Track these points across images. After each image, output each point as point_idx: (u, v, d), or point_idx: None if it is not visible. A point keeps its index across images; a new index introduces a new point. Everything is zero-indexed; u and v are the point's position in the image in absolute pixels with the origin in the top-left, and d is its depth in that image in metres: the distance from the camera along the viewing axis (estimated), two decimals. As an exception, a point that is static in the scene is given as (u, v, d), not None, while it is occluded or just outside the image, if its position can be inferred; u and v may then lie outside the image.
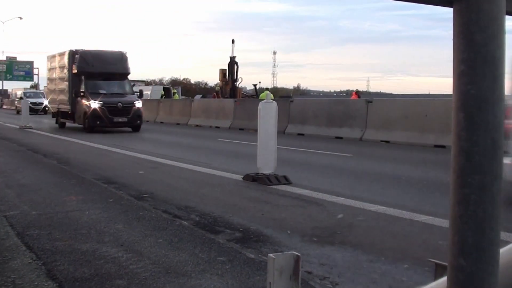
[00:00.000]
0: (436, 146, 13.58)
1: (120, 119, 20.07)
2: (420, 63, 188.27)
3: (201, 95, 48.95)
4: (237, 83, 37.86)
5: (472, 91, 0.85)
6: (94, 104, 19.91)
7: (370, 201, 6.51)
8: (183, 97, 46.28)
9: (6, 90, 76.95)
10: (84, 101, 20.51)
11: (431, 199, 6.94)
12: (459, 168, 0.86)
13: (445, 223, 5.28)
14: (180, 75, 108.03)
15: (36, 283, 3.61)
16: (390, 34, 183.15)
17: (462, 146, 0.86)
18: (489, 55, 0.84)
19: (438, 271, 2.23)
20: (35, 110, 40.12)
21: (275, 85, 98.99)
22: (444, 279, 1.22)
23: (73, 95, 20.96)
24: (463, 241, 0.86)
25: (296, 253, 2.10)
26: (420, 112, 14.78)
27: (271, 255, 2.08)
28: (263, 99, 22.44)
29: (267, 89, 28.37)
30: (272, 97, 26.27)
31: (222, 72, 38.88)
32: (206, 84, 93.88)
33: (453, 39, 0.88)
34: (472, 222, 0.86)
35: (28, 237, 4.77)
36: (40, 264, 4.01)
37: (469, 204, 0.86)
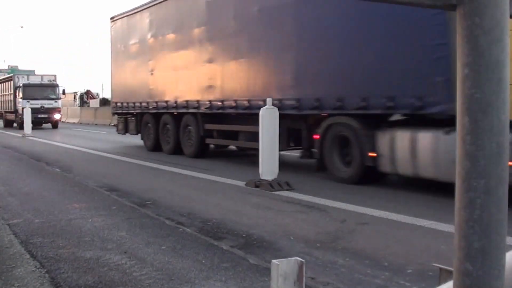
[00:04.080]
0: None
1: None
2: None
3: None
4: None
5: (476, 95, 0.85)
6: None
7: (373, 206, 6.50)
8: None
9: None
10: None
11: (434, 204, 6.92)
12: (464, 172, 0.86)
13: (448, 227, 5.27)
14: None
15: (39, 291, 3.61)
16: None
17: (467, 150, 0.85)
18: (493, 59, 0.84)
19: (442, 276, 2.22)
20: None
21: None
22: (449, 284, 1.21)
23: None
24: (469, 246, 0.86)
25: (300, 259, 2.09)
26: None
27: (274, 261, 2.07)
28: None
29: None
30: None
31: None
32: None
33: (457, 44, 0.88)
34: (478, 226, 0.85)
35: (32, 245, 4.77)
36: (43, 272, 4.01)
37: (475, 208, 0.85)
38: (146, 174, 10.04)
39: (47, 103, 30.80)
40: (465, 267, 0.86)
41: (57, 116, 31.18)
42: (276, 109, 8.14)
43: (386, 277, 3.94)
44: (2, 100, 36.78)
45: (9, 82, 34.93)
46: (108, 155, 13.91)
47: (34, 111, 28.07)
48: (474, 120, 0.85)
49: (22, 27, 76.23)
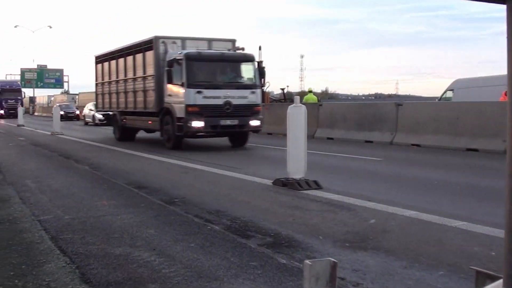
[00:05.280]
0: (468, 149, 13.33)
1: None
2: (449, 64, 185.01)
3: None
4: (265, 88, 37.88)
5: (530, 92, 0.81)
6: None
7: (402, 206, 6.41)
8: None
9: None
10: None
11: (465, 204, 6.80)
12: (517, 173, 0.82)
13: (480, 229, 5.17)
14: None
15: (70, 287, 3.64)
16: (418, 35, 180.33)
17: (520, 149, 0.82)
18: (549, 54, 0.80)
19: (479, 279, 2.17)
20: None
21: (302, 89, 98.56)
22: (493, 286, 1.18)
23: None
24: (522, 249, 0.82)
25: (333, 260, 2.06)
26: (452, 115, 14.53)
27: (307, 261, 2.05)
28: (308, 102, 21.76)
29: (310, 91, 27.17)
30: (316, 100, 25.66)
31: None
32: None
33: (507, 38, 0.84)
34: (531, 229, 0.81)
35: (62, 241, 4.83)
36: (74, 267, 4.05)
37: (528, 210, 0.82)
38: (174, 171, 10.09)
39: (237, 96, 14.84)
40: (517, 272, 0.82)
41: (255, 122, 15.12)
42: (303, 107, 8.08)
43: (417, 278, 3.87)
44: (119, 89, 19.01)
45: (143, 55, 16.78)
46: (135, 152, 14.01)
47: (213, 111, 14.41)
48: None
49: (50, 27, 77.55)
